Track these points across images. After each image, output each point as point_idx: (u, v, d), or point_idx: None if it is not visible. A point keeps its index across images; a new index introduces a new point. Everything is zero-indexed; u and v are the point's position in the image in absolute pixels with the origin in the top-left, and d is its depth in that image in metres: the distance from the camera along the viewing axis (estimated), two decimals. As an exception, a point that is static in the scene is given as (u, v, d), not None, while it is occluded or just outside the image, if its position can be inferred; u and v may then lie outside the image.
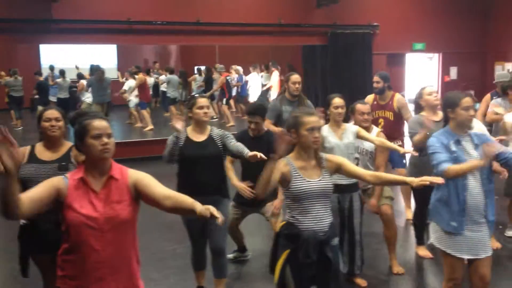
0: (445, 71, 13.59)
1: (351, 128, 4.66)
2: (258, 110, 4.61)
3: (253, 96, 15.45)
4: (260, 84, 15.39)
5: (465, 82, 13.62)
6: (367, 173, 3.28)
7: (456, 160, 3.32)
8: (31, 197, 2.39)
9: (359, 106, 4.83)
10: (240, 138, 4.43)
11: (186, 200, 2.54)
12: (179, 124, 3.87)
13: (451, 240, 3.41)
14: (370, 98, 6.34)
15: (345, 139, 4.53)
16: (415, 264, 5.23)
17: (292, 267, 3.13)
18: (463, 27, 13.21)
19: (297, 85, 5.69)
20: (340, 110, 4.57)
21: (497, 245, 5.32)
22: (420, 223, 5.24)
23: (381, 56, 12.47)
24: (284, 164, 3.14)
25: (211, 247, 4.22)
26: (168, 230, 5.88)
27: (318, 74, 12.23)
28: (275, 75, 14.54)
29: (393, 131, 5.90)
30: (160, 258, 5.26)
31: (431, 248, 4.90)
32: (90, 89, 12.53)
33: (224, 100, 14.25)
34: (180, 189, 4.04)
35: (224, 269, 4.31)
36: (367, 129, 4.79)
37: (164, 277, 4.86)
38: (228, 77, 14.52)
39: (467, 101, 3.42)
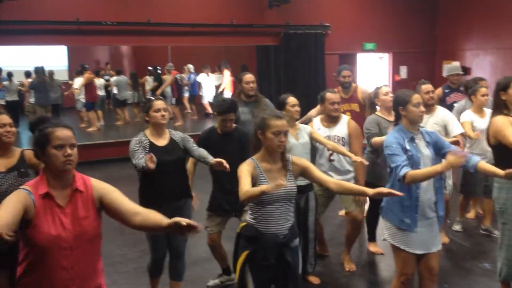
0: (395, 71, 13.88)
1: (305, 128, 4.69)
2: (232, 107, 4.42)
3: (207, 97, 15.39)
4: (213, 84, 15.35)
5: (414, 81, 13.90)
6: (330, 181, 3.27)
7: (411, 159, 3.38)
8: (7, 223, 2.13)
9: (329, 95, 4.77)
10: (207, 136, 4.37)
11: (155, 216, 2.40)
12: (152, 165, 3.58)
13: (404, 236, 3.47)
14: None
15: (301, 139, 4.55)
16: (366, 260, 5.31)
17: (251, 268, 3.14)
18: (412, 27, 13.53)
19: (251, 85, 5.55)
20: (297, 108, 4.59)
21: (446, 239, 5.45)
22: (373, 220, 5.31)
23: (333, 56, 12.63)
24: (252, 166, 3.12)
25: (171, 249, 4.16)
26: (118, 234, 5.75)
27: (272, 74, 12.27)
28: (226, 75, 14.54)
29: (361, 123, 5.95)
30: (111, 263, 5.14)
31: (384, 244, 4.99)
32: (33, 91, 12.38)
33: (174, 99, 14.11)
34: (146, 195, 3.99)
35: (183, 272, 4.27)
36: (337, 118, 4.80)
37: (114, 283, 4.76)
38: (177, 75, 14.38)
39: (417, 98, 3.49)
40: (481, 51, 13.02)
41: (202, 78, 15.31)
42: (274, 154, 3.16)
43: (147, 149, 3.87)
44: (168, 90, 14.07)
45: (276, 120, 3.13)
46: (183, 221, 2.19)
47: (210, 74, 15.45)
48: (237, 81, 5.68)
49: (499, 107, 3.97)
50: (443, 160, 3.44)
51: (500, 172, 3.29)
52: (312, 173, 3.22)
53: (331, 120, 4.81)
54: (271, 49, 12.19)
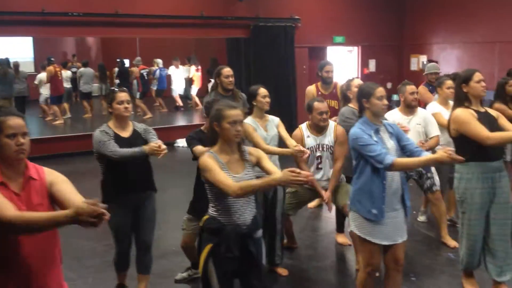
0: (364, 64, 14.02)
1: (274, 120, 4.69)
2: None
3: (177, 89, 15.28)
4: (182, 77, 15.25)
5: (383, 74, 14.13)
6: (277, 173, 3.16)
7: None
8: None
9: (317, 105, 4.69)
10: (199, 138, 4.10)
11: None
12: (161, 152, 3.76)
13: (371, 227, 3.50)
14: (312, 88, 6.36)
15: (270, 131, 4.56)
16: (335, 251, 5.36)
17: (214, 261, 3.12)
18: (380, 21, 13.67)
19: (230, 79, 5.41)
20: (267, 99, 4.60)
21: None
22: (341, 211, 5.35)
23: (303, 49, 12.68)
24: (213, 158, 3.10)
25: (138, 242, 4.15)
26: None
27: (242, 67, 12.25)
28: (193, 70, 14.48)
29: None
30: (77, 256, 5.09)
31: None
32: None
33: (138, 94, 13.98)
34: (109, 188, 3.97)
35: (150, 265, 4.26)
36: (326, 126, 4.76)
37: (81, 277, 4.71)
38: (143, 70, 14.23)
39: (380, 91, 3.52)
40: (448, 45, 13.25)
41: (172, 70, 15.19)
42: (231, 145, 3.15)
43: (112, 140, 3.85)
44: (135, 83, 13.96)
45: (231, 110, 3.11)
46: (87, 206, 1.99)
47: (180, 66, 15.34)
48: (215, 75, 5.52)
49: (461, 100, 4.03)
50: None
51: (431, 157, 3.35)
52: (264, 164, 3.21)
53: (320, 129, 4.77)
54: (242, 41, 12.16)
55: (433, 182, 5.23)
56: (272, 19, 11.98)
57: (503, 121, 4.06)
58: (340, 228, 5.47)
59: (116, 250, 4.18)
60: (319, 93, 6.23)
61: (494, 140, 3.77)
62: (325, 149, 4.76)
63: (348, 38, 13.41)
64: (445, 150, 3.24)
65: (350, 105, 4.99)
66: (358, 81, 5.05)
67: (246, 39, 11.99)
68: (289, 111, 12.48)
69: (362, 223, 3.54)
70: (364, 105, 3.55)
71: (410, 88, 5.14)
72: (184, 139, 4.28)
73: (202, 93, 14.71)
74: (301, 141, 4.69)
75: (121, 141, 3.87)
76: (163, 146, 3.81)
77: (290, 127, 12.82)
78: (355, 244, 4.48)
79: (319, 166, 4.76)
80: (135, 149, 3.81)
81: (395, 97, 14.08)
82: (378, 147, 3.38)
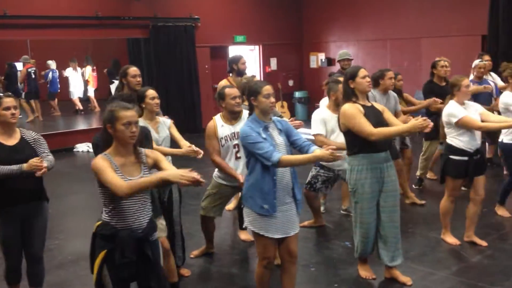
0: (266, 62, 14.25)
1: (166, 122, 4.63)
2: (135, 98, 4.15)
3: (76, 92, 14.71)
4: (80, 79, 14.72)
5: (284, 72, 14.45)
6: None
7: None
8: None
9: (228, 90, 4.59)
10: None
11: None
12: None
13: (264, 222, 3.57)
14: (225, 82, 6.28)
15: (162, 133, 4.49)
16: (239, 248, 5.39)
17: (109, 268, 3.04)
18: (280, 20, 13.97)
19: (137, 78, 5.18)
20: (157, 100, 4.50)
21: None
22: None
23: (205, 48, 12.68)
24: (106, 160, 3.01)
25: (28, 255, 3.97)
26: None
27: (144, 67, 12.04)
28: (88, 71, 14.05)
29: None
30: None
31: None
32: None
33: (23, 94, 13.27)
34: None
35: (42, 277, 4.10)
36: (239, 114, 4.68)
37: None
38: (30, 69, 13.49)
39: (267, 89, 3.58)
40: (343, 43, 13.75)
41: (69, 72, 14.59)
42: (126, 147, 3.08)
43: None
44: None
45: (125, 111, 3.04)
46: None
47: (78, 68, 14.78)
48: (121, 75, 5.30)
49: (349, 95, 4.19)
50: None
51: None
52: (162, 166, 3.17)
53: (233, 116, 4.71)
54: (141, 42, 11.97)
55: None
56: (171, 18, 11.88)
57: (387, 115, 4.29)
58: (242, 224, 5.50)
59: (6, 264, 3.97)
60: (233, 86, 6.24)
61: (377, 136, 3.97)
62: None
63: (249, 37, 13.57)
64: (327, 148, 3.41)
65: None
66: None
67: (145, 40, 11.83)
68: (193, 111, 12.45)
69: (255, 218, 3.60)
70: (252, 103, 3.61)
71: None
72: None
73: (102, 95, 14.28)
74: (214, 131, 4.66)
75: (4, 150, 3.70)
76: (44, 164, 3.65)
77: (195, 127, 12.96)
78: None
79: (238, 154, 4.72)
80: (13, 167, 3.62)
81: (297, 94, 14.47)
82: (266, 145, 3.45)
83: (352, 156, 4.22)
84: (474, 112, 4.84)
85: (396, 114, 5.75)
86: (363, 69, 4.20)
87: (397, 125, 4.13)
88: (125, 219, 3.03)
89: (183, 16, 12.11)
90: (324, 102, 5.72)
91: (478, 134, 4.85)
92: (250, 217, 3.64)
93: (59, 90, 14.41)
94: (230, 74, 6.34)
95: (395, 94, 6.09)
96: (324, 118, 5.22)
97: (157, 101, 4.50)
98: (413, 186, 6.94)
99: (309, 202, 5.52)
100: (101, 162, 2.98)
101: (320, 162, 5.06)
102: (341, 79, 5.58)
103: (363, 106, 4.14)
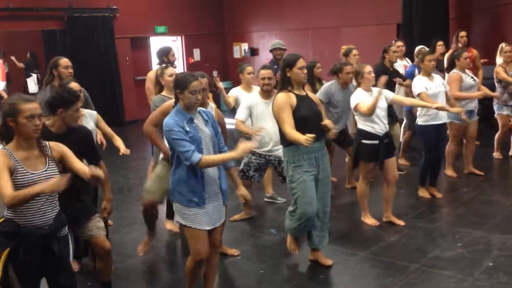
0: (189, 53, 14.09)
1: (91, 114, 4.47)
2: (76, 93, 3.81)
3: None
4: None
5: (208, 62, 14.34)
6: (86, 171, 2.99)
7: (192, 140, 3.39)
8: None
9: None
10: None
11: None
12: None
13: (193, 215, 3.48)
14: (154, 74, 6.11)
15: (87, 126, 4.30)
16: (166, 240, 5.30)
17: (15, 266, 2.92)
18: (201, 10, 13.82)
19: (69, 70, 5.03)
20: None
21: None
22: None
23: (125, 39, 12.36)
24: (6, 156, 2.83)
25: None
26: None
27: (61, 60, 11.60)
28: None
29: None
30: None
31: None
32: None
33: None
34: None
35: None
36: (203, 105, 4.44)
37: None
38: None
39: (195, 85, 3.45)
40: (266, 33, 13.85)
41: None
42: (30, 140, 2.93)
43: None
44: None
45: (28, 104, 2.89)
46: None
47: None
48: (51, 67, 5.02)
49: (285, 84, 4.17)
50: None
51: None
52: (69, 162, 3.04)
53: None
54: (57, 33, 11.50)
55: None
56: (87, 9, 11.50)
57: (321, 108, 4.36)
58: (169, 214, 5.34)
59: None
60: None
61: (288, 136, 4.01)
62: None
63: (170, 27, 13.35)
64: (243, 147, 3.39)
65: (163, 93, 4.90)
66: (171, 71, 4.98)
67: (61, 31, 11.40)
68: (115, 104, 12.12)
69: (185, 212, 3.50)
70: (178, 96, 3.50)
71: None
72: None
73: (16, 88, 13.62)
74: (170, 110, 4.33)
75: None
76: None
77: (118, 121, 12.63)
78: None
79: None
80: None
81: (222, 85, 14.39)
82: (187, 143, 3.35)
83: (286, 147, 4.21)
84: (383, 97, 5.03)
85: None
86: (302, 59, 4.16)
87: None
88: (28, 216, 2.90)
89: (100, 7, 11.74)
90: (235, 90, 5.74)
91: (384, 118, 5.03)
92: (179, 211, 3.53)
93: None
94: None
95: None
96: (251, 104, 5.22)
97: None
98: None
99: None
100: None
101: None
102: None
103: (297, 95, 4.13)
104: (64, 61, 5.09)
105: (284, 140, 4.17)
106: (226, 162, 3.67)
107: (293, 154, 4.16)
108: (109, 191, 3.96)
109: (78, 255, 4.54)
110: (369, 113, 4.88)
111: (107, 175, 3.83)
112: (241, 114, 5.25)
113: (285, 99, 4.09)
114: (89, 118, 4.46)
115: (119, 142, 4.72)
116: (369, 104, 4.85)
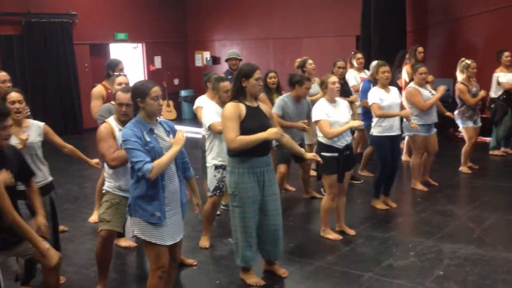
0: (150, 61, 14.00)
1: (37, 124, 4.35)
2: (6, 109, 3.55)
3: None
4: None
5: (169, 70, 14.28)
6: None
7: (152, 150, 3.32)
8: None
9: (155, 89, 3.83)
10: None
11: None
12: None
13: (155, 230, 3.39)
14: (100, 89, 5.94)
15: (30, 136, 4.20)
16: (119, 256, 5.20)
17: None
18: (163, 17, 13.78)
19: (7, 84, 4.97)
20: (17, 105, 4.14)
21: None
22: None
23: (84, 46, 12.21)
24: None
25: None
26: None
27: (17, 67, 11.33)
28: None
29: None
30: None
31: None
32: None
33: None
34: None
35: None
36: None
37: None
38: None
39: (155, 90, 3.39)
40: (228, 42, 13.90)
41: None
42: None
43: None
44: None
45: None
46: None
47: None
48: None
49: (237, 93, 4.05)
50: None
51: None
52: None
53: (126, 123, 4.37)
54: (13, 39, 11.25)
55: None
56: (45, 14, 11.31)
57: (274, 122, 4.31)
58: (121, 234, 5.19)
59: None
60: (109, 91, 5.93)
61: (237, 144, 3.91)
62: None
63: (131, 34, 13.26)
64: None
65: (112, 102, 4.79)
66: (121, 79, 4.92)
67: (18, 36, 11.17)
68: (72, 111, 11.91)
69: (145, 226, 3.40)
70: (138, 105, 3.41)
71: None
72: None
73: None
74: (112, 135, 4.03)
75: None
76: None
77: (75, 129, 12.37)
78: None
79: None
80: None
81: (183, 93, 14.35)
82: (142, 154, 3.27)
83: (232, 157, 4.10)
84: (344, 109, 5.09)
85: (310, 119, 5.77)
86: (259, 71, 4.05)
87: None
88: None
89: (59, 12, 11.56)
90: (202, 100, 5.70)
91: (347, 131, 5.03)
92: (139, 225, 3.43)
93: None
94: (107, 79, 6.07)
95: (308, 100, 6.17)
96: (216, 110, 5.07)
97: (18, 105, 4.14)
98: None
99: (214, 210, 5.17)
100: None
101: (218, 163, 4.95)
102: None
103: (247, 106, 4.03)
104: (2, 75, 4.98)
105: (229, 150, 4.07)
106: (187, 172, 3.65)
107: (238, 166, 4.05)
108: (40, 205, 3.72)
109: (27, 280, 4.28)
110: (330, 135, 4.92)
111: (37, 189, 3.82)
112: (214, 117, 5.00)
113: (234, 109, 3.98)
114: (33, 129, 4.30)
115: (81, 155, 4.76)
116: (335, 130, 4.90)
